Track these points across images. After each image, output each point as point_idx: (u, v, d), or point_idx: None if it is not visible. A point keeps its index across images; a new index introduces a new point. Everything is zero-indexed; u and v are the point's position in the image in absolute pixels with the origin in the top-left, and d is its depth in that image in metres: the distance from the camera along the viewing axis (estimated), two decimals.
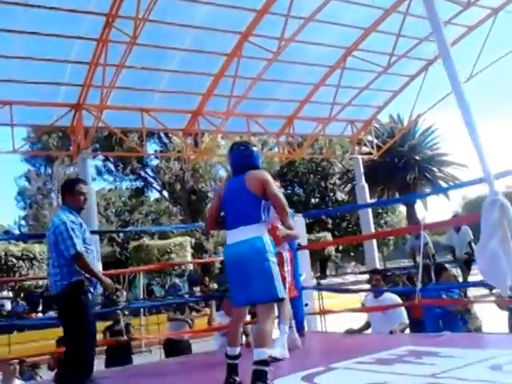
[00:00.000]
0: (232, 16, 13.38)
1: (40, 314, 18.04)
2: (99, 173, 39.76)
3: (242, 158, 4.31)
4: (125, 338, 8.21)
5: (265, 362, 3.70)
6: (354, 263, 42.04)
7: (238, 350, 4.06)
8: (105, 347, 8.60)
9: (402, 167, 30.83)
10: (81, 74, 13.42)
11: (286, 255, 5.51)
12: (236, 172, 4.31)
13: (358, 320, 7.22)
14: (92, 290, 4.51)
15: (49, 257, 4.63)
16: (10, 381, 6.84)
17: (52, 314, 17.87)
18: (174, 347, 8.39)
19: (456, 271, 13.19)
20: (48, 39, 12.24)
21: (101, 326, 9.17)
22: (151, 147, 36.18)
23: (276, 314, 4.45)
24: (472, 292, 9.50)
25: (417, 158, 31.36)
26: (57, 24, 11.89)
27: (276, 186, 4.22)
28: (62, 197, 4.92)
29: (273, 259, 3.95)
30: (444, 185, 30.80)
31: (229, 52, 14.44)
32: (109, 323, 8.95)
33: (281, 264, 5.18)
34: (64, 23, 11.95)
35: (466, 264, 12.49)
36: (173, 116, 16.13)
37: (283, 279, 4.98)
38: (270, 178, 4.14)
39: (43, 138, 32.54)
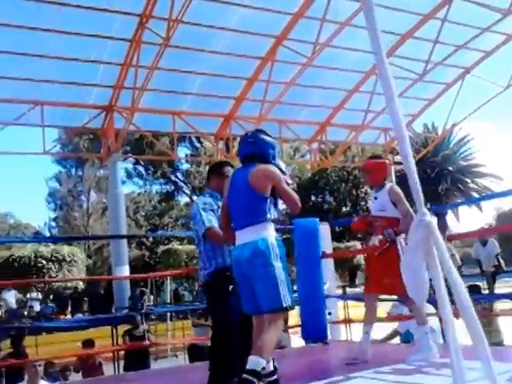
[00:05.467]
0: (267, 19, 13.23)
1: (69, 316, 18.07)
2: (129, 176, 39.97)
3: (246, 146, 3.96)
4: (147, 342, 8.13)
5: (256, 374, 3.42)
6: None
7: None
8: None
9: (434, 177, 30.47)
10: (113, 76, 13.37)
11: (402, 247, 4.90)
12: (242, 163, 3.98)
13: (385, 329, 7.12)
14: None
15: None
16: (34, 382, 6.73)
17: (80, 315, 17.98)
18: (198, 352, 8.29)
19: (482, 284, 12.95)
20: (80, 39, 12.21)
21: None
22: (182, 151, 36.28)
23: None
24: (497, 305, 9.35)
25: (450, 168, 30.98)
26: (90, 24, 11.85)
27: (284, 180, 3.81)
28: (207, 180, 4.73)
29: (277, 263, 3.62)
30: (477, 196, 30.36)
31: (263, 56, 14.28)
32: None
33: (395, 257, 4.74)
34: (97, 23, 11.93)
35: (493, 277, 12.26)
36: (204, 120, 16.03)
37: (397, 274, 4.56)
38: (277, 173, 3.79)
39: (74, 139, 32.70)
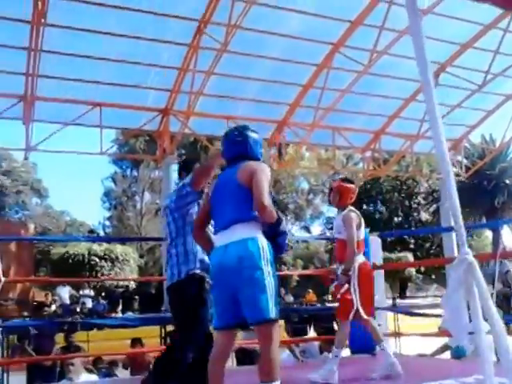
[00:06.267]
0: (325, 26, 13.17)
1: (120, 314, 18.40)
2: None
3: (234, 145, 3.65)
4: None
5: None
6: (435, 285, 40.71)
7: None
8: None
9: (490, 190, 29.81)
10: (170, 80, 13.53)
11: (355, 270, 5.22)
12: (228, 163, 3.68)
13: (436, 343, 6.98)
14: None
15: None
16: (72, 378, 6.86)
17: (131, 314, 18.28)
18: (246, 356, 8.30)
19: None
20: (140, 43, 12.42)
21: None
22: None
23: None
24: None
25: (507, 181, 30.25)
26: (149, 28, 12.05)
27: (266, 178, 3.41)
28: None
29: (268, 269, 3.20)
30: None
31: (319, 63, 14.25)
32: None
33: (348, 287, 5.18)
34: (156, 28, 12.10)
35: None
36: (258, 125, 15.91)
37: (345, 301, 5.07)
38: (263, 168, 3.44)
39: (130, 140, 33.24)
